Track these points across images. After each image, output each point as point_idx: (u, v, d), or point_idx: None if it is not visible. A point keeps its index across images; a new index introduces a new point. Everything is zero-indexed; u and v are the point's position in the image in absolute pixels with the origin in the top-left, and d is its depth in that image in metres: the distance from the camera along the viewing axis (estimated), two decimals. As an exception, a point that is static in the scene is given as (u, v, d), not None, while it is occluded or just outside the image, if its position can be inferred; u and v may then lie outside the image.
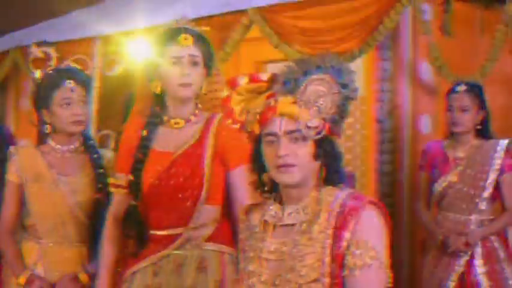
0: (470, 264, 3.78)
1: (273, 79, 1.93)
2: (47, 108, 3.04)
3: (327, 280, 1.84)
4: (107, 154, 3.19)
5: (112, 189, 2.81)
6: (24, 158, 3.07)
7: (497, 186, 3.82)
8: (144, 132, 2.72)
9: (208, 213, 2.69)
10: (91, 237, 3.01)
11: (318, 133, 1.89)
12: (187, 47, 2.66)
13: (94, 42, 5.46)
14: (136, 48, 5.17)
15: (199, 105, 2.76)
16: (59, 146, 3.08)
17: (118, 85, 5.28)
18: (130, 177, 2.71)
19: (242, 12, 4.80)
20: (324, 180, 1.95)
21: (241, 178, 2.61)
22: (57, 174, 3.04)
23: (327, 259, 1.84)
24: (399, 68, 4.51)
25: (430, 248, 3.97)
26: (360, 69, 4.26)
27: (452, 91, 3.93)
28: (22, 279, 2.98)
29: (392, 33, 4.40)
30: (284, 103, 1.89)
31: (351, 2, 4.37)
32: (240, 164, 2.60)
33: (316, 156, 1.90)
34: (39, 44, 4.58)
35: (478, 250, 3.79)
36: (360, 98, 4.49)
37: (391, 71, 4.49)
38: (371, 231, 1.85)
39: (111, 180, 2.82)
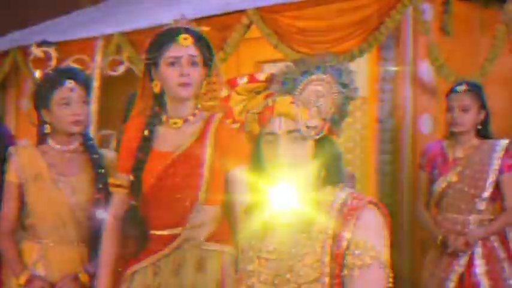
0: (470, 264, 3.78)
1: (271, 79, 1.93)
2: (47, 108, 3.03)
3: (326, 280, 1.83)
4: (109, 154, 3.18)
5: (112, 189, 2.81)
6: (24, 158, 3.06)
7: (496, 186, 3.82)
8: (146, 132, 2.72)
9: (207, 213, 2.69)
10: (91, 237, 3.01)
11: (318, 133, 1.88)
12: (186, 47, 2.66)
13: (95, 42, 5.45)
14: (137, 48, 5.19)
15: (199, 105, 2.76)
16: (58, 146, 3.08)
17: (119, 85, 5.28)
18: (131, 177, 2.71)
19: (242, 12, 4.80)
20: (324, 180, 1.94)
21: (241, 178, 2.61)
22: (57, 174, 3.04)
23: (327, 259, 1.84)
24: (401, 68, 4.51)
25: (430, 248, 3.97)
26: (361, 69, 4.26)
27: (452, 91, 3.92)
28: (22, 280, 2.98)
29: (393, 33, 4.40)
30: (282, 103, 1.89)
31: (351, 2, 4.37)
32: (240, 163, 2.59)
33: (315, 156, 1.90)
34: (40, 44, 4.59)
35: (478, 250, 3.79)
36: (361, 98, 4.50)
37: (393, 71, 4.49)
38: (371, 231, 1.85)
39: (111, 180, 2.82)
